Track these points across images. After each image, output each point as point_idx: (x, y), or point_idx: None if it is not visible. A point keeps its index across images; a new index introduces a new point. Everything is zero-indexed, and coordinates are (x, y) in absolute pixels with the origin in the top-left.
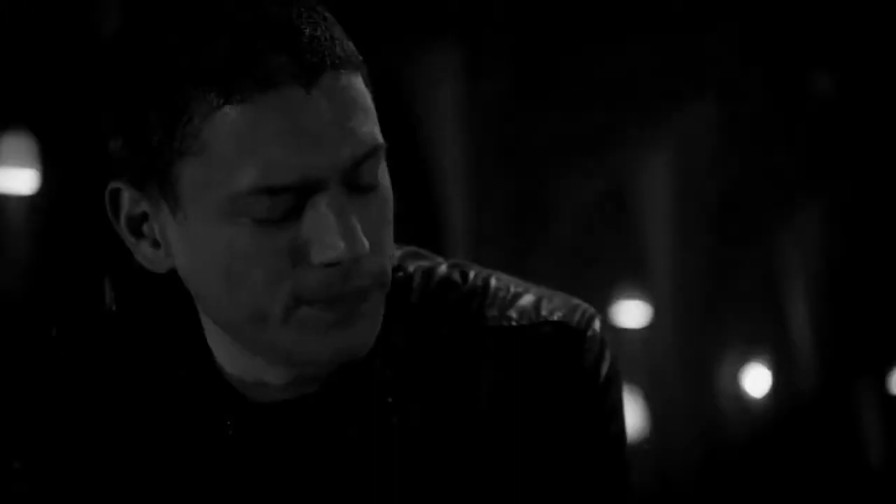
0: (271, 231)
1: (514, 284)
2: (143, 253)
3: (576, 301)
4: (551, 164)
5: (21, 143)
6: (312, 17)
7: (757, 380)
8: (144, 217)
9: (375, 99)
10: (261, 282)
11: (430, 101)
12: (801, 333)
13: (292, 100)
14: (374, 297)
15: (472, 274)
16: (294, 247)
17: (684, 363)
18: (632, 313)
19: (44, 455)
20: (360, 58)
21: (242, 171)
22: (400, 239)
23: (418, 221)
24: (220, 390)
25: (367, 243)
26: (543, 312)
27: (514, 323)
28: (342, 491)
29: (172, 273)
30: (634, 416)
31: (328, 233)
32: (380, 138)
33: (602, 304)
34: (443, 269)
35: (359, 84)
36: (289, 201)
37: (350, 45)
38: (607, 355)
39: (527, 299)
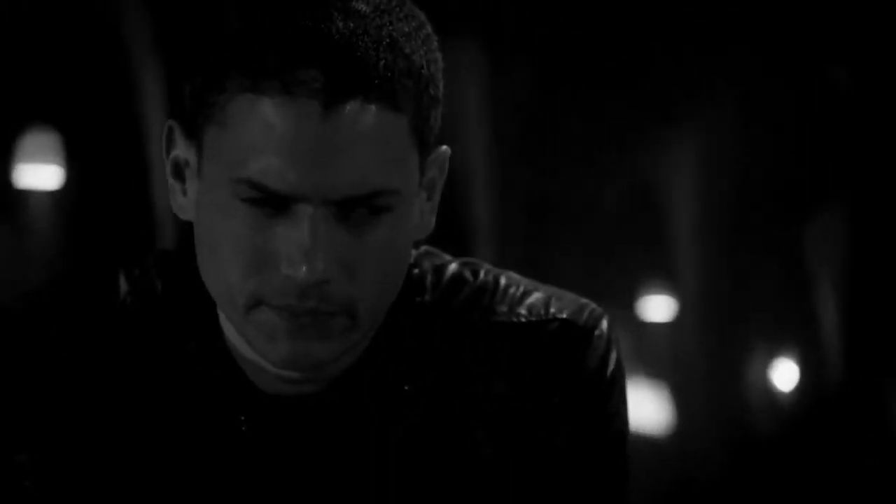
0: (257, 222)
1: (525, 283)
2: (174, 195)
3: (584, 301)
4: (575, 159)
5: (45, 139)
6: (387, 41)
7: (785, 374)
8: (187, 163)
9: None
10: (232, 266)
11: (450, 99)
12: (829, 328)
13: (307, 114)
14: (337, 323)
15: (482, 272)
16: (269, 246)
17: (711, 358)
18: (657, 308)
19: (51, 449)
20: (423, 104)
21: (245, 159)
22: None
23: (441, 219)
24: (234, 384)
25: (328, 271)
26: (552, 310)
27: (522, 319)
28: (354, 485)
29: (189, 254)
30: (659, 410)
31: (294, 247)
32: (385, 184)
33: (627, 299)
34: (454, 266)
35: (389, 124)
36: (279, 202)
37: (412, 86)
38: (613, 355)
39: (536, 297)
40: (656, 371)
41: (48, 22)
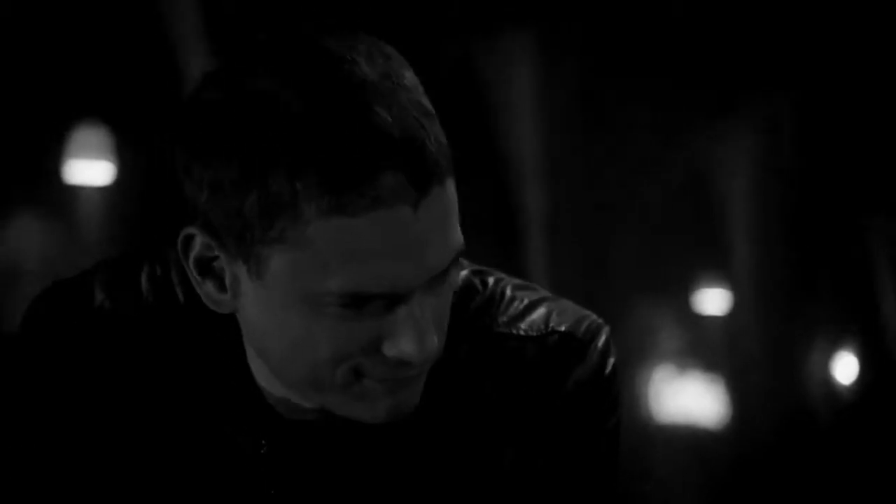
0: (350, 323)
1: (530, 295)
2: (207, 292)
3: (585, 313)
4: (631, 151)
5: (95, 135)
6: (424, 118)
7: (845, 367)
8: (215, 258)
9: (448, 89)
10: (328, 359)
11: (503, 90)
12: (891, 320)
13: (400, 219)
14: (426, 370)
15: (491, 281)
16: (368, 338)
17: (767, 351)
18: (714, 301)
19: (67, 462)
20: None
21: (338, 275)
22: (475, 229)
23: (493, 212)
24: (256, 409)
25: (437, 343)
26: (552, 324)
27: (522, 332)
28: (376, 499)
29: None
30: (716, 404)
31: (404, 336)
32: (462, 242)
33: (683, 292)
34: (464, 274)
35: (453, 190)
36: (374, 302)
37: (446, 142)
38: (609, 367)
39: (538, 313)
40: (712, 364)
41: (98, 19)
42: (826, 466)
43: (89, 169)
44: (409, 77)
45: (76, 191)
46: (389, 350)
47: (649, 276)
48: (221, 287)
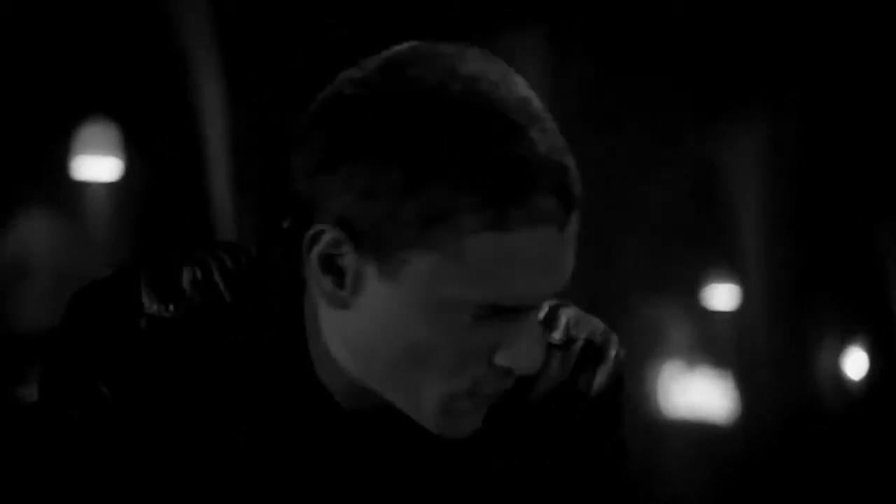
0: (474, 330)
1: (549, 304)
2: (324, 287)
3: (596, 320)
4: (638, 147)
5: (103, 131)
6: (558, 133)
7: (854, 363)
8: (340, 254)
9: None
10: (445, 368)
11: None
12: None
13: (548, 238)
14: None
15: None
16: (485, 346)
17: (776, 346)
18: (722, 296)
19: (139, 402)
20: None
21: (482, 287)
22: None
23: None
24: (317, 400)
25: (542, 360)
26: (572, 332)
27: (548, 340)
28: (433, 490)
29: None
30: (724, 399)
31: (518, 348)
32: None
33: (692, 288)
34: None
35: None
36: (505, 314)
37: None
38: (622, 374)
39: (560, 319)
40: (721, 360)
41: (105, 16)
42: (835, 463)
43: (97, 165)
44: (539, 102)
45: (83, 187)
46: (501, 359)
47: (657, 273)
48: (340, 283)
